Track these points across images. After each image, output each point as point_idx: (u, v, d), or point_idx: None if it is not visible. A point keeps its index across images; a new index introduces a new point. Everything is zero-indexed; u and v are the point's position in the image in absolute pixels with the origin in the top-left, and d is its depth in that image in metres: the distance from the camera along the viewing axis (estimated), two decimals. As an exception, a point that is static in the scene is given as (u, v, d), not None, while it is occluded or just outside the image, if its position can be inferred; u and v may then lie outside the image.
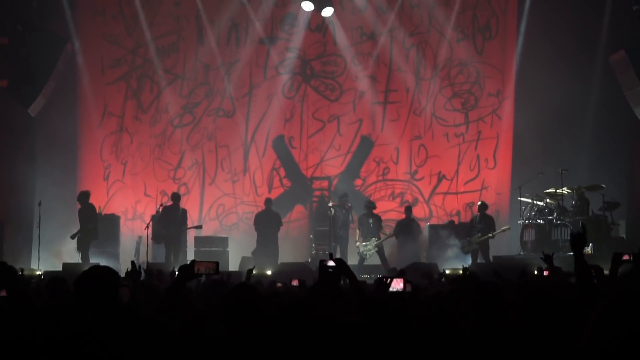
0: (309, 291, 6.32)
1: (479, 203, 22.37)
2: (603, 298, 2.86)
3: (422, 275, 11.89)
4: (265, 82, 24.98)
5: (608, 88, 22.48)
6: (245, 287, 5.27)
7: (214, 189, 24.88)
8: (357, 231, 22.10)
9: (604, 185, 20.81)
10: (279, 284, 12.04)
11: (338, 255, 20.49)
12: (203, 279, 9.64)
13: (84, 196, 21.44)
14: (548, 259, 9.53)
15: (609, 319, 2.73)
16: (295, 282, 9.13)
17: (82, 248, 20.60)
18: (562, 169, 21.21)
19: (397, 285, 6.80)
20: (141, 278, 7.48)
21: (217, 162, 24.93)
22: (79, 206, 21.61)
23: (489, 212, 23.01)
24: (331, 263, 6.33)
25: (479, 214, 21.98)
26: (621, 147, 23.03)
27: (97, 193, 23.24)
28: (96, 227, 21.06)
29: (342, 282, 6.79)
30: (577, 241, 6.42)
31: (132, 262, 7.57)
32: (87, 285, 5.09)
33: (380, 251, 21.71)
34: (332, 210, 22.06)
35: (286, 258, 21.91)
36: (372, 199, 23.47)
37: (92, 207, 21.37)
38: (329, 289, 6.06)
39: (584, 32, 23.11)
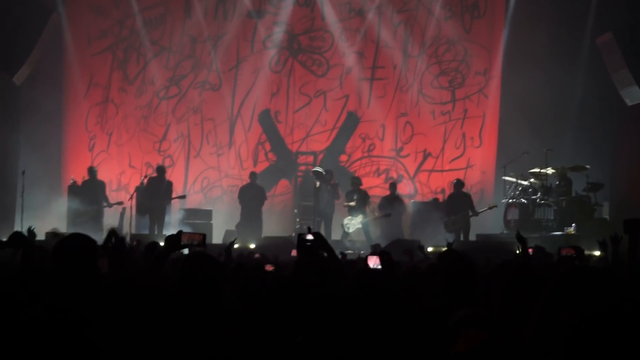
0: (295, 267, 6.32)
1: (455, 181, 22.31)
2: (549, 281, 2.87)
3: (403, 252, 11.90)
4: (252, 56, 24.91)
5: (595, 70, 22.50)
6: (202, 256, 5.23)
7: (199, 162, 24.86)
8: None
9: (588, 166, 20.83)
10: (257, 255, 12.04)
11: (322, 231, 20.55)
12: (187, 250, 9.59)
13: (95, 172, 22.04)
14: (522, 240, 9.54)
15: (555, 302, 2.74)
16: (269, 268, 9.04)
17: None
18: (547, 148, 21.24)
19: (372, 262, 6.81)
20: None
21: (202, 135, 24.90)
22: (85, 178, 21.91)
23: (474, 190, 23.15)
24: (309, 237, 6.34)
25: (455, 191, 21.98)
26: (606, 128, 23.08)
27: (82, 164, 23.28)
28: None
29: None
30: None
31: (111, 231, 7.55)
32: (66, 252, 5.09)
33: (365, 228, 21.63)
34: (317, 183, 21.96)
35: (270, 232, 21.92)
36: (357, 175, 23.44)
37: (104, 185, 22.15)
38: (314, 266, 6.07)
39: (571, 13, 23.10)
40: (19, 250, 7.20)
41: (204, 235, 6.51)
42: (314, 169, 22.53)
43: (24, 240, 6.79)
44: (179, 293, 4.85)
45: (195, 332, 4.41)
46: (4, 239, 6.67)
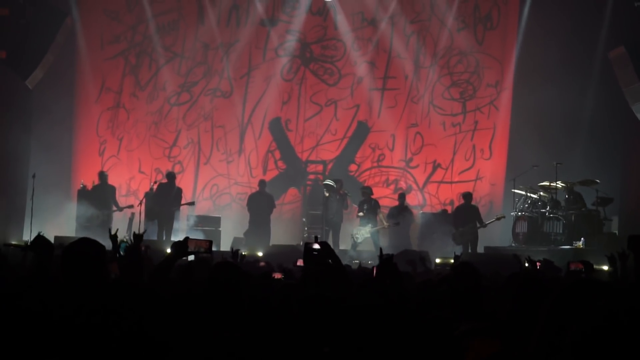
0: (302, 276, 6.35)
1: (464, 193, 22.30)
2: (552, 293, 2.87)
3: (406, 262, 11.89)
4: (264, 63, 24.94)
5: (606, 84, 22.47)
6: (229, 265, 5.24)
7: (208, 169, 24.88)
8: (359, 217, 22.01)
9: (598, 181, 20.83)
10: (262, 263, 12.03)
11: (330, 240, 20.55)
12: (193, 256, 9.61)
13: (105, 176, 22.15)
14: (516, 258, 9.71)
15: (557, 313, 2.74)
16: (278, 276, 9.05)
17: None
18: (557, 162, 21.22)
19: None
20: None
21: (212, 142, 24.91)
22: (95, 182, 22.00)
23: (483, 202, 23.16)
24: (316, 246, 6.34)
25: (463, 204, 21.96)
26: (617, 143, 23.06)
27: (92, 168, 23.34)
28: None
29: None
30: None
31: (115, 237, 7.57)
32: (74, 257, 5.11)
33: (374, 237, 21.61)
34: (325, 192, 21.95)
35: (278, 240, 21.92)
36: (366, 184, 23.40)
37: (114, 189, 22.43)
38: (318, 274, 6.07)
39: (584, 27, 23.08)
40: (27, 253, 7.22)
41: (211, 242, 6.53)
42: (325, 182, 22.49)
43: (46, 245, 6.84)
44: (205, 301, 4.88)
45: (222, 341, 4.41)
46: (14, 242, 6.73)
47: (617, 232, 21.73)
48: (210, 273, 5.07)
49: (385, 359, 3.82)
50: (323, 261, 6.32)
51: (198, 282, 6.47)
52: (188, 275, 7.15)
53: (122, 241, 7.39)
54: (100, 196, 21.76)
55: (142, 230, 20.28)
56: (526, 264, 11.59)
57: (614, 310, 2.46)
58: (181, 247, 6.19)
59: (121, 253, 7.25)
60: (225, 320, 4.68)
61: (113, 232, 7.61)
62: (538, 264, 10.85)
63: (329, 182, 22.31)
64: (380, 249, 6.90)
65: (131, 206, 21.97)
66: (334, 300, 4.52)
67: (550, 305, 2.84)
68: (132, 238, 7.06)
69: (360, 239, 21.56)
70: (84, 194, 22.09)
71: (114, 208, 21.89)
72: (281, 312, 5.19)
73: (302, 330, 4.55)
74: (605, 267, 13.91)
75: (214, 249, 12.32)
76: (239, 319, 4.71)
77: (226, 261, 5.44)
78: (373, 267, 6.84)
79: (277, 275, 8.88)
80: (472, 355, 4.32)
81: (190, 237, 6.51)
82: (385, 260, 6.14)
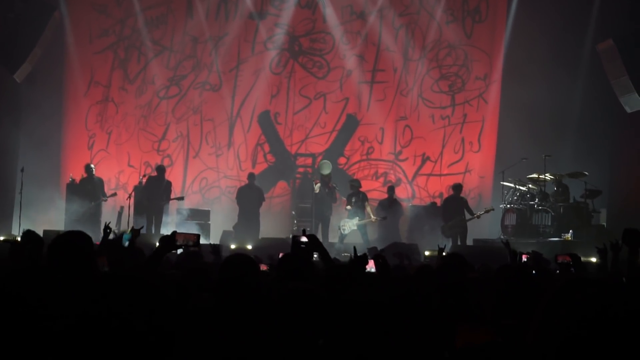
0: (278, 262, 6.36)
1: (454, 185, 22.34)
2: (549, 289, 2.87)
3: (393, 255, 11.92)
4: (253, 57, 24.90)
5: (595, 76, 22.52)
6: (244, 258, 5.22)
7: (197, 162, 24.84)
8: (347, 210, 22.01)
9: (586, 173, 20.86)
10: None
11: (320, 233, 20.58)
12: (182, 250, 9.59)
13: (91, 169, 22.01)
14: (507, 245, 9.79)
15: (555, 310, 2.75)
16: (263, 267, 9.07)
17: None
18: (546, 154, 21.26)
19: (368, 266, 6.83)
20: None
21: (201, 135, 24.88)
22: (84, 175, 21.86)
23: (472, 195, 23.20)
24: (304, 239, 6.35)
25: (453, 195, 22.00)
26: (606, 135, 23.10)
27: (81, 162, 23.24)
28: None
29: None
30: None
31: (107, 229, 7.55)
32: (61, 250, 5.10)
33: (361, 230, 21.61)
34: (316, 189, 21.96)
35: (267, 233, 21.91)
36: (355, 177, 23.40)
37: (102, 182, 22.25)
38: (298, 261, 6.08)
39: (573, 20, 23.13)
40: (16, 247, 7.21)
41: (198, 236, 6.54)
42: (322, 161, 22.55)
43: (36, 240, 6.84)
44: (217, 295, 4.88)
45: (229, 333, 4.41)
46: (3, 237, 6.74)
47: (605, 224, 21.80)
48: (225, 269, 5.04)
49: (380, 351, 3.83)
50: (310, 254, 6.34)
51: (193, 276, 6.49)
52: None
53: (123, 232, 7.37)
54: (89, 189, 21.69)
55: (132, 225, 20.37)
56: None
57: (608, 306, 2.47)
58: (169, 241, 6.19)
59: (124, 245, 7.24)
60: (237, 315, 4.68)
61: (105, 225, 7.61)
62: (525, 256, 10.87)
63: (326, 161, 22.41)
64: (355, 248, 6.90)
65: (115, 194, 22.00)
66: (322, 293, 4.53)
67: (546, 302, 2.85)
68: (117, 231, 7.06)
69: (347, 230, 21.54)
70: (73, 188, 22.00)
71: (103, 198, 21.77)
72: (273, 304, 5.18)
73: (295, 322, 4.56)
74: (594, 260, 13.95)
75: (203, 241, 12.31)
76: (250, 314, 4.71)
77: (240, 254, 5.42)
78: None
79: (263, 267, 8.89)
80: (463, 343, 4.34)
81: (180, 230, 6.52)
82: (360, 257, 6.14)
